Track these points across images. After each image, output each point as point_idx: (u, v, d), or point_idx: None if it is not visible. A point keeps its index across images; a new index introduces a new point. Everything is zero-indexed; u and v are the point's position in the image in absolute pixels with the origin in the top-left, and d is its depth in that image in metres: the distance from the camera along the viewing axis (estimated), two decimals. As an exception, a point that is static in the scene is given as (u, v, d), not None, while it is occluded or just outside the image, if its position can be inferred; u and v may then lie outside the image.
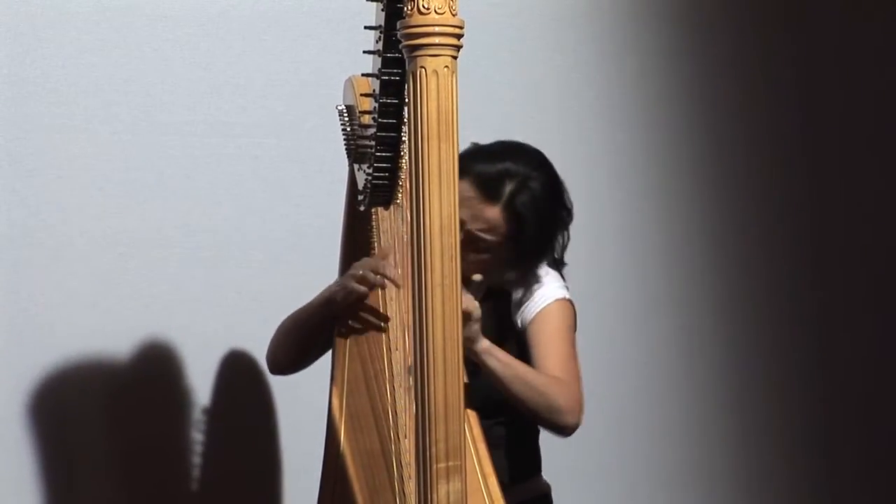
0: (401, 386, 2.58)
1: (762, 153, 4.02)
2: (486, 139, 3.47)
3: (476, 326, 2.51)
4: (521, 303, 2.77)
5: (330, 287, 2.73)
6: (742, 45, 3.99)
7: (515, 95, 3.71)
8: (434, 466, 1.98)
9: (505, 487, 2.49)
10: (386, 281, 2.64)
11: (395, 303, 2.68)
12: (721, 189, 3.99)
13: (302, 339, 2.80)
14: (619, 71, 3.86)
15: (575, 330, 2.77)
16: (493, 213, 2.68)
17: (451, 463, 1.98)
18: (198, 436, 3.41)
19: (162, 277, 3.37)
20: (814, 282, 4.09)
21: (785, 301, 4.06)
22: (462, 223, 2.64)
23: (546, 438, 2.85)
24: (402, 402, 2.55)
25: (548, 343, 2.69)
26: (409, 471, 2.46)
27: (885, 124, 4.15)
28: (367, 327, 2.71)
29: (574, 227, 2.83)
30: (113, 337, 3.33)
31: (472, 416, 2.52)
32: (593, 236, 3.61)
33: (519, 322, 2.76)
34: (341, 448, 2.59)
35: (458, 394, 1.98)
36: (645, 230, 3.90)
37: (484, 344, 2.55)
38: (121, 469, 3.37)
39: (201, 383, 3.40)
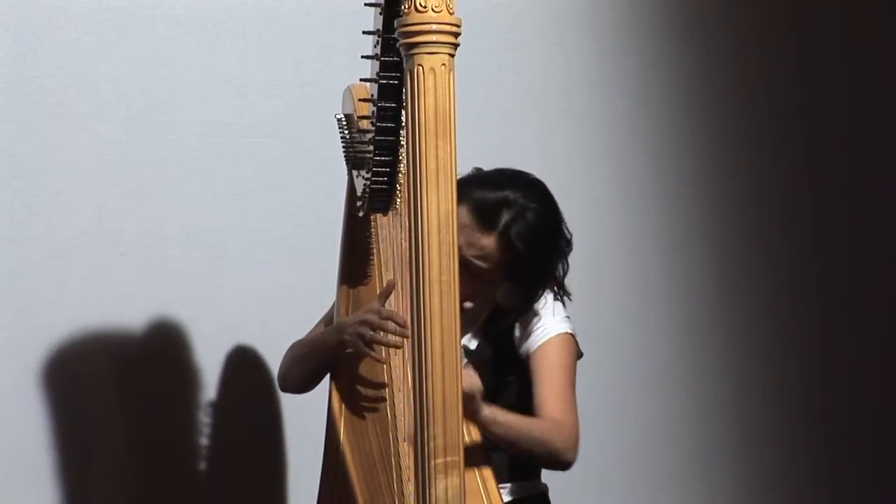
0: (400, 391, 2.58)
1: (762, 153, 4.02)
2: (486, 138, 3.48)
3: (478, 402, 2.50)
4: (523, 337, 2.75)
5: (345, 330, 2.65)
6: (742, 45, 3.99)
7: (515, 95, 3.71)
8: (432, 462, 1.99)
9: (503, 487, 2.49)
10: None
11: (392, 305, 2.68)
12: (721, 189, 3.99)
13: (313, 370, 2.82)
14: (619, 71, 3.86)
15: (577, 359, 2.76)
16: (488, 241, 2.65)
17: (448, 458, 1.99)
18: (198, 436, 3.40)
19: (162, 277, 3.37)
20: (814, 282, 4.09)
21: (785, 301, 4.06)
22: (458, 248, 2.65)
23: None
24: (401, 406, 2.55)
25: (549, 379, 2.68)
26: (409, 473, 2.46)
27: (886, 124, 4.15)
28: None
29: (574, 228, 2.81)
30: (113, 337, 3.33)
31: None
32: (593, 236, 3.61)
33: (522, 354, 2.75)
34: (341, 449, 2.59)
35: (456, 389, 1.99)
36: (645, 230, 3.90)
37: (486, 413, 2.53)
38: (121, 468, 3.37)
39: (202, 383, 3.40)
